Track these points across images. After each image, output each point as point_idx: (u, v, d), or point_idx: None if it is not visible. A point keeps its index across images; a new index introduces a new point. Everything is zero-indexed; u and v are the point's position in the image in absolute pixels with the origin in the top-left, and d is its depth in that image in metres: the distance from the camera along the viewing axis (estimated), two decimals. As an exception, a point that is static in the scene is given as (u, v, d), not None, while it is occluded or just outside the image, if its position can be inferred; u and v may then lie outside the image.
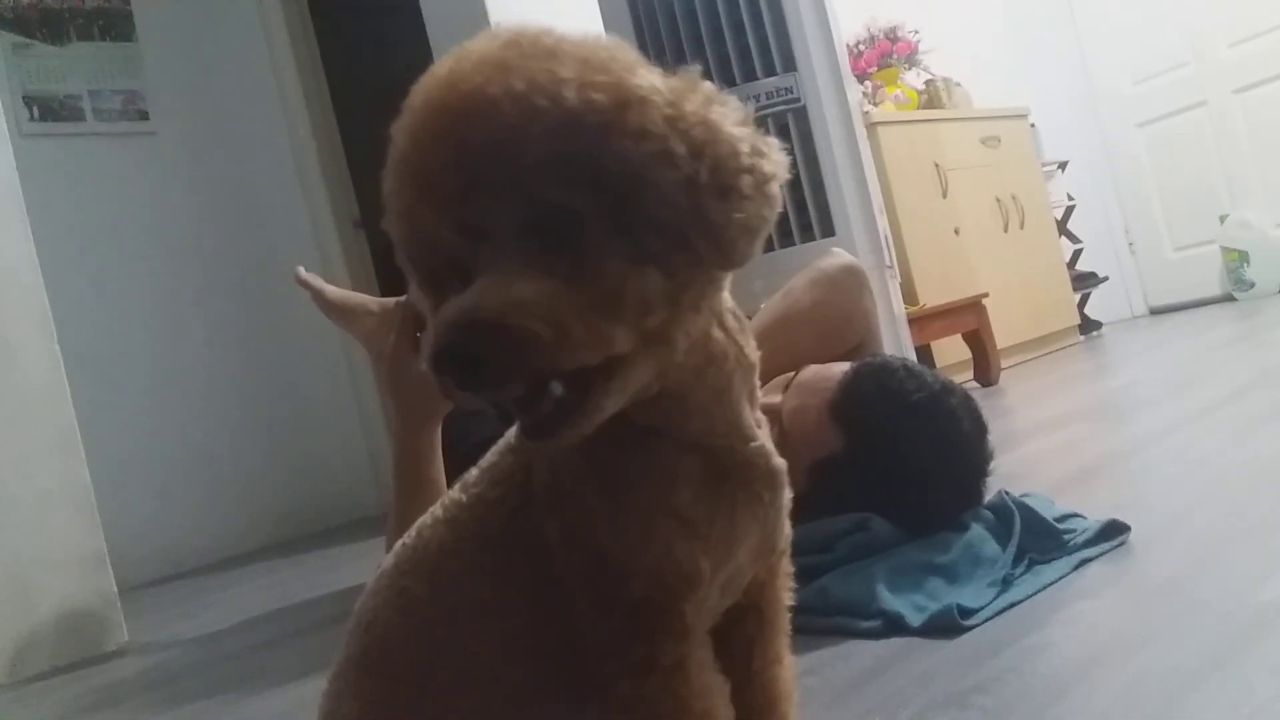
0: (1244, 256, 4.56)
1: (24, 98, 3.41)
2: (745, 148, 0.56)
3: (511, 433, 0.70)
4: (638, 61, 0.56)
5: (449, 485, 1.37)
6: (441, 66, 0.56)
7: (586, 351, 0.53)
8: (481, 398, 0.53)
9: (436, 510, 0.71)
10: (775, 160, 0.57)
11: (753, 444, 0.65)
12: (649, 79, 0.55)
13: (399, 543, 0.73)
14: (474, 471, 0.71)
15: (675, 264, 0.55)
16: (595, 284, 0.53)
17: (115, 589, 2.22)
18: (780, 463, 0.66)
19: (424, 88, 0.56)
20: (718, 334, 0.61)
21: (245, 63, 3.90)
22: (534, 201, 0.53)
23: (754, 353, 0.64)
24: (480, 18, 2.99)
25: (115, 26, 3.66)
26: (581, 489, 0.62)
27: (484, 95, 0.53)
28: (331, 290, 1.82)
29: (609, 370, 0.54)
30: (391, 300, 1.75)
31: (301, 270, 1.78)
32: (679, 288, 0.56)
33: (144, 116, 3.67)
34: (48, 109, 3.48)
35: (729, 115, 0.56)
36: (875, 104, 3.99)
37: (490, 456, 0.70)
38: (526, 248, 0.53)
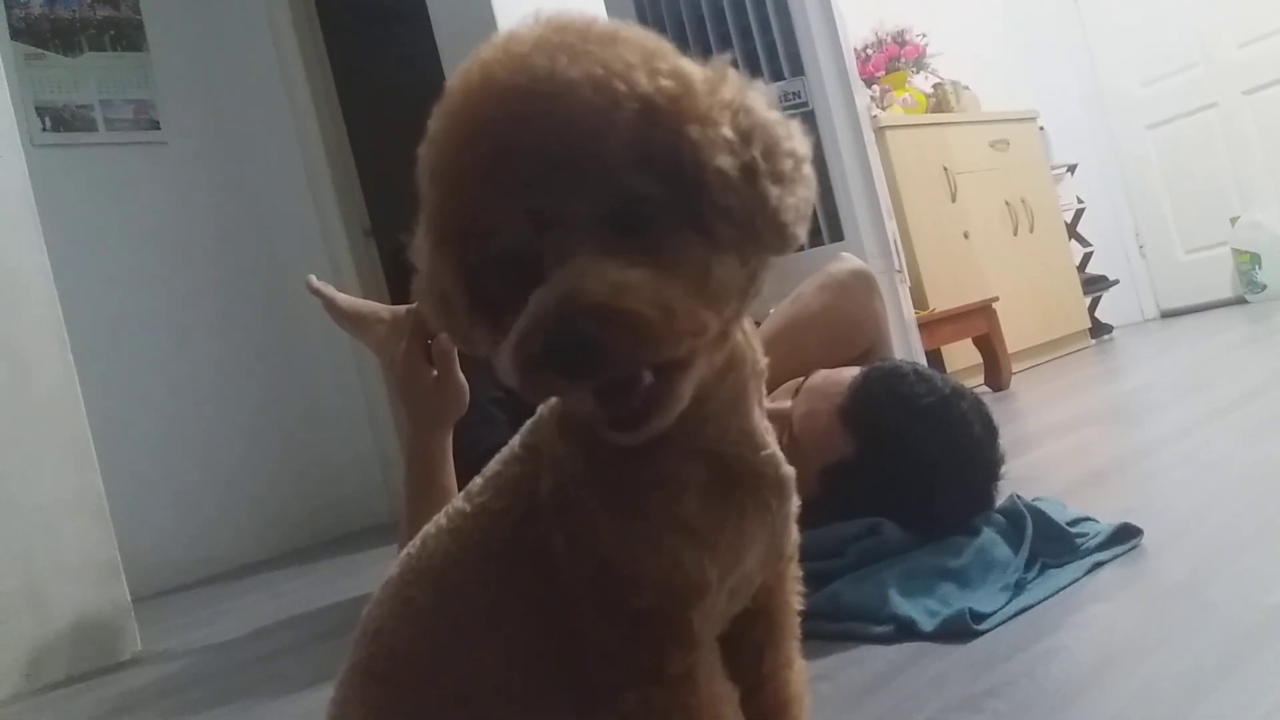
0: (1255, 259, 4.54)
1: (36, 108, 3.43)
2: (783, 131, 0.56)
3: (516, 441, 0.69)
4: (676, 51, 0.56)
5: (458, 492, 1.37)
6: (491, 51, 0.54)
7: (689, 338, 0.52)
8: (578, 388, 0.51)
9: (441, 520, 0.71)
10: (804, 140, 0.58)
11: (763, 452, 0.64)
12: (695, 67, 0.55)
13: (404, 552, 0.73)
14: (478, 481, 0.70)
15: (747, 251, 0.55)
16: (683, 271, 0.52)
17: (129, 598, 2.23)
18: (789, 471, 0.66)
19: (482, 71, 0.53)
20: (739, 336, 0.61)
21: (255, 71, 3.92)
22: (615, 189, 0.52)
23: (763, 359, 0.64)
24: (489, 25, 3.01)
25: (126, 37, 3.69)
26: (588, 497, 0.61)
27: (564, 79, 0.51)
28: (343, 298, 1.82)
29: (685, 361, 0.53)
30: (403, 308, 1.76)
31: (313, 278, 1.79)
32: (749, 276, 0.56)
33: (155, 126, 3.69)
34: (60, 119, 3.50)
35: (761, 100, 0.57)
36: (883, 108, 3.98)
37: (494, 465, 0.70)
38: (603, 236, 0.52)
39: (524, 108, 0.51)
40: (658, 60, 0.54)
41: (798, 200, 0.56)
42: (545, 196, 0.52)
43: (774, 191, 0.54)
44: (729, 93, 0.55)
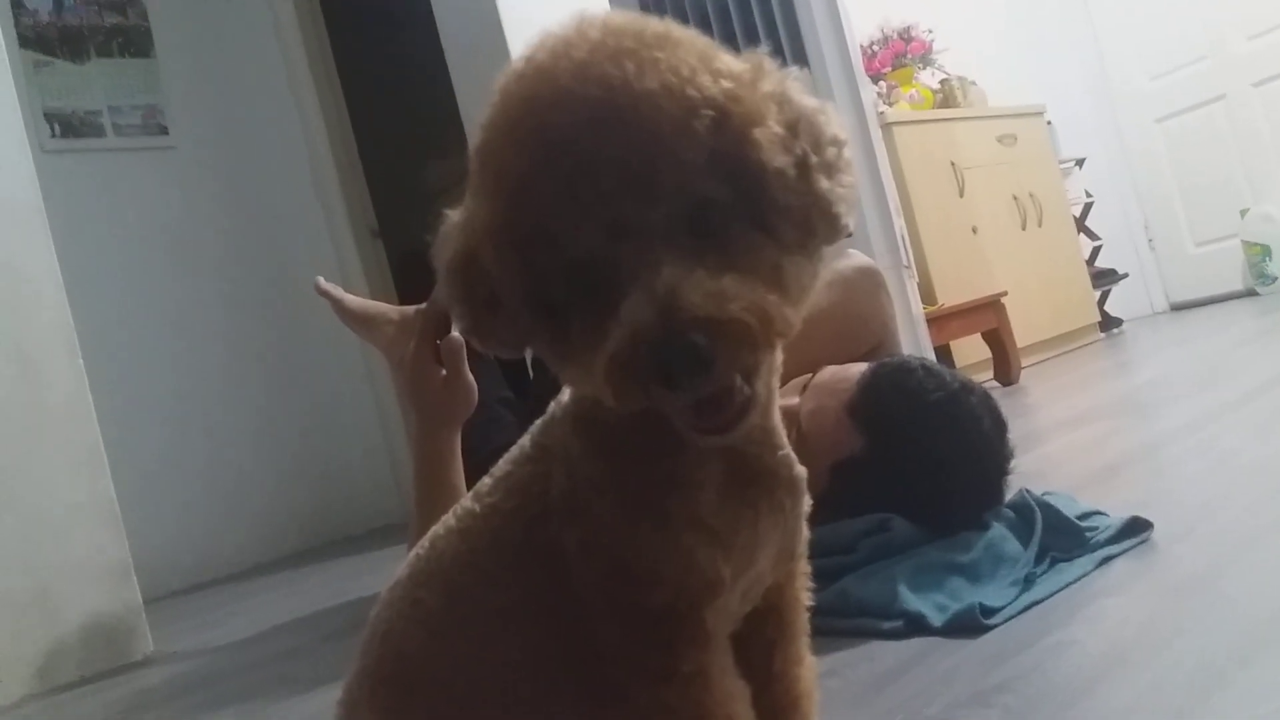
0: (1266, 250, 4.52)
1: (45, 115, 3.45)
2: (824, 119, 0.56)
3: (526, 441, 0.69)
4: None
5: (467, 492, 1.37)
6: (549, 57, 0.53)
7: (782, 340, 0.53)
8: (683, 398, 0.51)
9: (450, 520, 0.71)
10: (840, 123, 0.58)
11: (780, 452, 0.64)
12: (737, 62, 0.55)
13: (412, 553, 0.72)
14: (487, 481, 0.70)
15: (808, 246, 0.56)
16: (760, 273, 0.52)
17: (140, 599, 2.24)
18: (802, 471, 0.66)
19: (546, 80, 0.53)
20: None
21: (262, 75, 3.93)
22: (692, 195, 0.52)
23: (779, 355, 0.63)
24: (495, 29, 3.01)
25: (134, 43, 3.70)
26: (604, 497, 0.61)
27: (640, 89, 0.51)
28: (351, 299, 1.83)
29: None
30: (411, 308, 1.76)
31: (321, 280, 1.79)
32: (814, 274, 0.57)
33: (163, 131, 3.71)
34: (68, 125, 3.52)
35: (799, 89, 0.57)
36: (890, 104, 3.98)
37: (504, 465, 0.70)
38: (681, 242, 0.52)
39: (601, 120, 0.51)
40: (714, 61, 0.54)
41: (846, 189, 0.56)
42: (624, 206, 0.51)
43: (827, 184, 0.55)
44: (770, 85, 0.55)
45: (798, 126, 0.55)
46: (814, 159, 0.54)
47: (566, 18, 0.55)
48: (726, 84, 0.53)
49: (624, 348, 0.50)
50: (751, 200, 0.53)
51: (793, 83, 0.57)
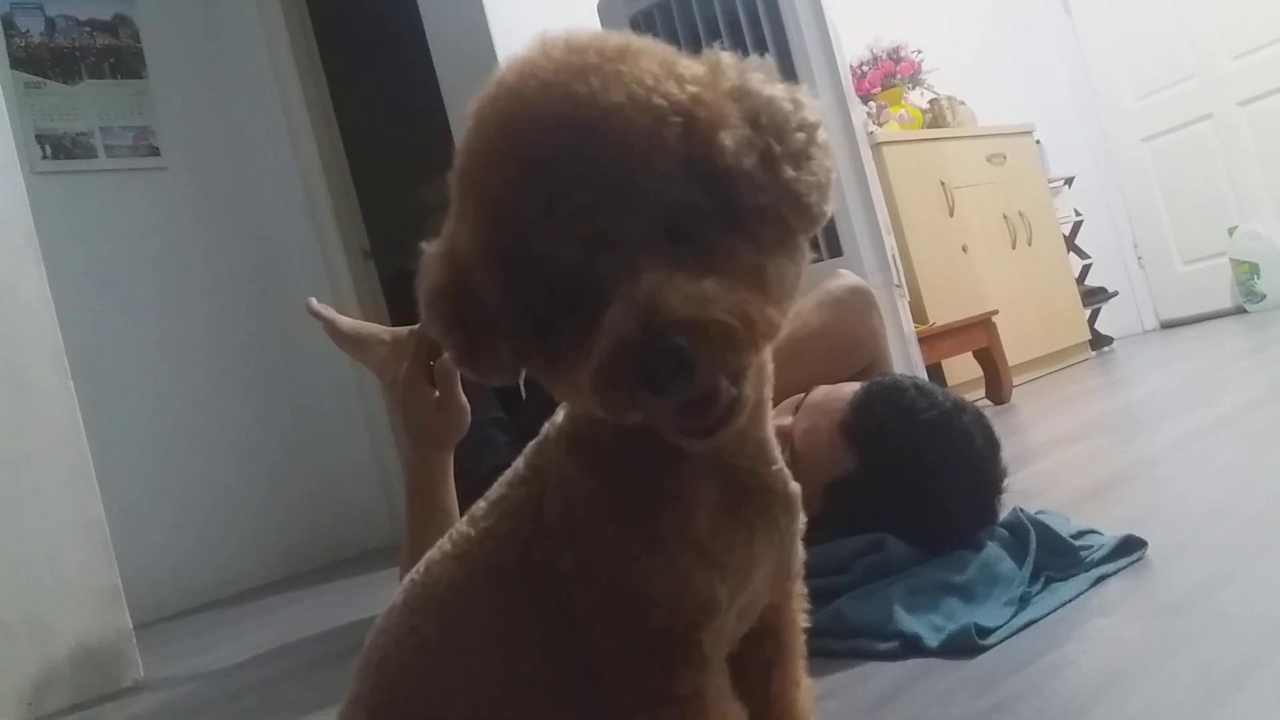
0: (1254, 268, 4.55)
1: (36, 136, 3.45)
2: (788, 105, 0.56)
3: (520, 463, 0.69)
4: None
5: (460, 513, 1.36)
6: (518, 79, 0.54)
7: (765, 341, 0.53)
8: (669, 402, 0.51)
9: (445, 545, 0.71)
10: (813, 107, 0.57)
11: (774, 467, 0.64)
12: (696, 63, 0.56)
13: (407, 578, 0.72)
14: (481, 504, 0.70)
15: (792, 245, 0.56)
16: (741, 275, 0.52)
17: (130, 624, 2.22)
18: (796, 488, 0.66)
19: (518, 101, 0.53)
20: None
21: (254, 96, 3.93)
22: (668, 203, 0.52)
23: (770, 365, 0.63)
24: (486, 48, 3.03)
25: (126, 64, 3.70)
26: (596, 518, 0.61)
27: (607, 104, 0.51)
28: (344, 320, 1.83)
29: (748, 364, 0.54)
30: (404, 329, 1.76)
31: (314, 301, 1.79)
32: (797, 274, 0.56)
33: (155, 152, 3.70)
34: (60, 147, 3.51)
35: (760, 78, 0.57)
36: (880, 124, 4.00)
37: (498, 489, 0.69)
38: (659, 249, 0.52)
39: (573, 136, 0.51)
40: (675, 67, 0.54)
41: (816, 175, 0.56)
42: (602, 218, 0.52)
43: (794, 174, 0.54)
44: (728, 81, 0.55)
45: (760, 118, 0.55)
46: (778, 149, 0.54)
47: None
48: (691, 88, 0.53)
49: (608, 356, 0.50)
50: (727, 203, 0.53)
51: (753, 74, 0.57)
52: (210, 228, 3.76)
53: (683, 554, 0.59)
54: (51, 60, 3.55)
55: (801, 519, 0.67)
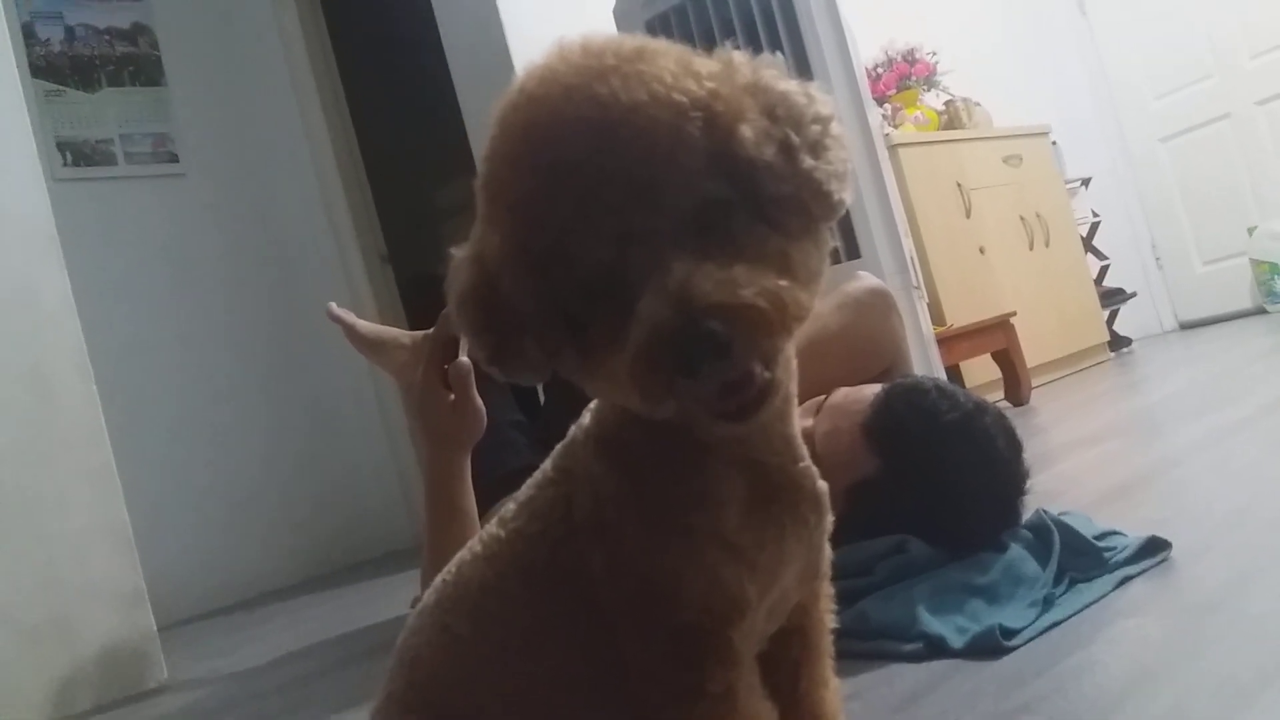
0: (1274, 268, 4.52)
1: (57, 144, 3.48)
2: (803, 99, 0.57)
3: (548, 464, 0.69)
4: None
5: (479, 515, 1.37)
6: (540, 86, 0.55)
7: (796, 324, 0.54)
8: (704, 387, 0.52)
9: (475, 546, 0.71)
10: (826, 101, 0.58)
11: (801, 463, 0.65)
12: (711, 61, 0.57)
13: (439, 579, 0.73)
14: (511, 506, 0.70)
15: (814, 232, 0.57)
16: (771, 261, 0.54)
17: (154, 626, 2.24)
18: (824, 486, 0.66)
19: (542, 107, 0.54)
20: None
21: (271, 103, 3.96)
22: (695, 196, 0.53)
23: (794, 360, 0.64)
24: (502, 52, 3.04)
25: (145, 72, 3.73)
26: (627, 515, 0.61)
27: (630, 103, 0.52)
28: (363, 325, 1.84)
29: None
30: (422, 334, 1.77)
31: (333, 306, 1.80)
32: (822, 259, 0.57)
33: (174, 159, 3.73)
34: (80, 154, 3.54)
35: (773, 73, 0.58)
36: (895, 126, 3.99)
37: (527, 490, 0.70)
38: (687, 242, 0.53)
39: (599, 137, 0.52)
40: (692, 64, 0.55)
41: (834, 164, 0.57)
42: (632, 216, 0.53)
43: (814, 164, 0.56)
44: (743, 76, 0.56)
45: (776, 111, 0.56)
46: (796, 139, 0.55)
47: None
48: (709, 84, 0.54)
49: (645, 344, 0.51)
50: (751, 194, 0.54)
51: (766, 70, 0.58)
52: (229, 233, 3.78)
53: (712, 551, 0.60)
54: (71, 68, 3.59)
55: (830, 519, 0.67)
